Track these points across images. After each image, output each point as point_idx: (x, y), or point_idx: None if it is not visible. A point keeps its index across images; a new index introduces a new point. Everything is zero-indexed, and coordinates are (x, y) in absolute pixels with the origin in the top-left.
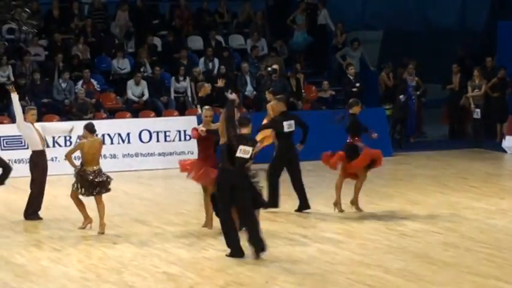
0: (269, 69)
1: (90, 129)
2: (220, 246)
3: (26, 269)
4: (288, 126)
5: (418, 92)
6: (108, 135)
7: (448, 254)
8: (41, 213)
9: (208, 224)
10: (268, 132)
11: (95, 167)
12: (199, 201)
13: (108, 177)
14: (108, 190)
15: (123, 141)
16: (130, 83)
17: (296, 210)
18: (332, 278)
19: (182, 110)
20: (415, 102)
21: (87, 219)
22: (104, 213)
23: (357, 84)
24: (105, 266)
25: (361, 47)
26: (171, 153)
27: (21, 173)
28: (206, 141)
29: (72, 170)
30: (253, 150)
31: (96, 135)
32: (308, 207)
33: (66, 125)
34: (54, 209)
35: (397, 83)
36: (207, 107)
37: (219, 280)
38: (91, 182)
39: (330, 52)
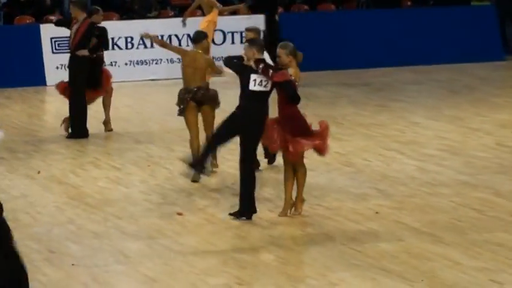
0: None
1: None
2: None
3: (81, 191)
4: None
5: None
6: (176, 36)
7: None
8: (95, 126)
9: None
10: None
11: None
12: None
13: None
14: None
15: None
16: None
17: None
18: (433, 201)
19: None
20: None
21: None
22: None
23: None
24: (172, 187)
25: None
26: None
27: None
28: None
29: None
30: None
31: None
32: None
33: None
34: (113, 121)
35: None
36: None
37: None
38: None
39: None
